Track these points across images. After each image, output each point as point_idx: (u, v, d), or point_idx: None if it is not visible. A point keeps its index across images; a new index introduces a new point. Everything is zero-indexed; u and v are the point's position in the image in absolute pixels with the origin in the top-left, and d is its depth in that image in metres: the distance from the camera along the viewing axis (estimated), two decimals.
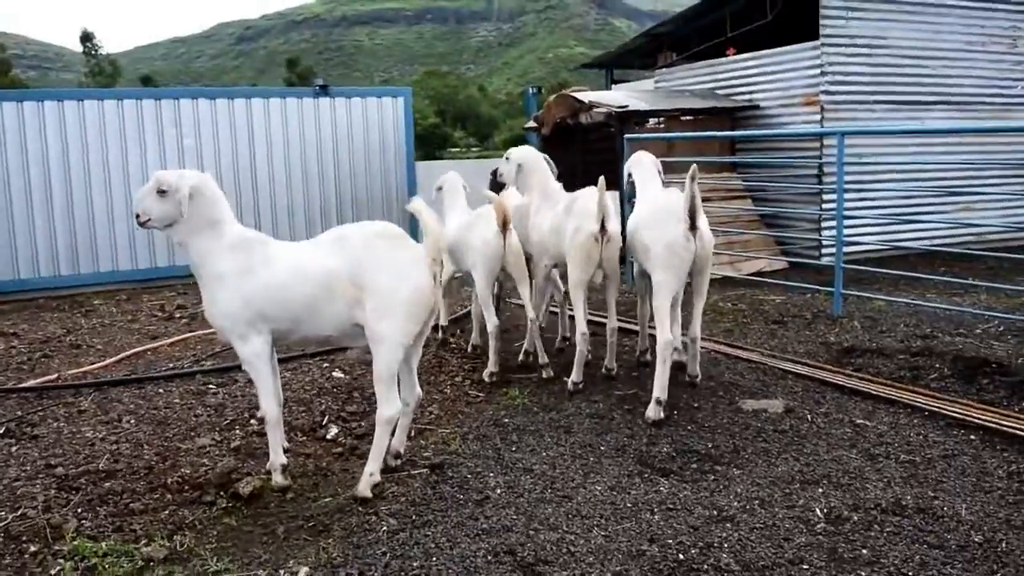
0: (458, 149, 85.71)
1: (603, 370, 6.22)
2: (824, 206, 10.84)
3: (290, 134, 12.81)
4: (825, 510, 4.02)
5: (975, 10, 11.62)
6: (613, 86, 15.71)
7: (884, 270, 8.72)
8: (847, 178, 10.84)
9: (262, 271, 4.24)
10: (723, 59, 12.59)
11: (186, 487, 4.38)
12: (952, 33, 11.52)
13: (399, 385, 4.40)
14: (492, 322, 6.28)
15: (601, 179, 5.89)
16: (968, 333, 7.06)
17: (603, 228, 5.81)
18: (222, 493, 4.28)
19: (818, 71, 10.84)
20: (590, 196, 5.98)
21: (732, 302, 8.88)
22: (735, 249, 10.55)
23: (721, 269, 9.90)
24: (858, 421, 5.19)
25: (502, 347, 7.23)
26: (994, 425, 4.94)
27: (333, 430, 5.23)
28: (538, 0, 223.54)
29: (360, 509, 4.08)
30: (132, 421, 5.49)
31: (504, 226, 5.97)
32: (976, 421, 5.04)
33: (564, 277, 6.43)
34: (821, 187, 10.82)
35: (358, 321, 4.24)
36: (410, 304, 4.17)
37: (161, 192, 4.22)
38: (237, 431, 5.25)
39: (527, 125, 13.89)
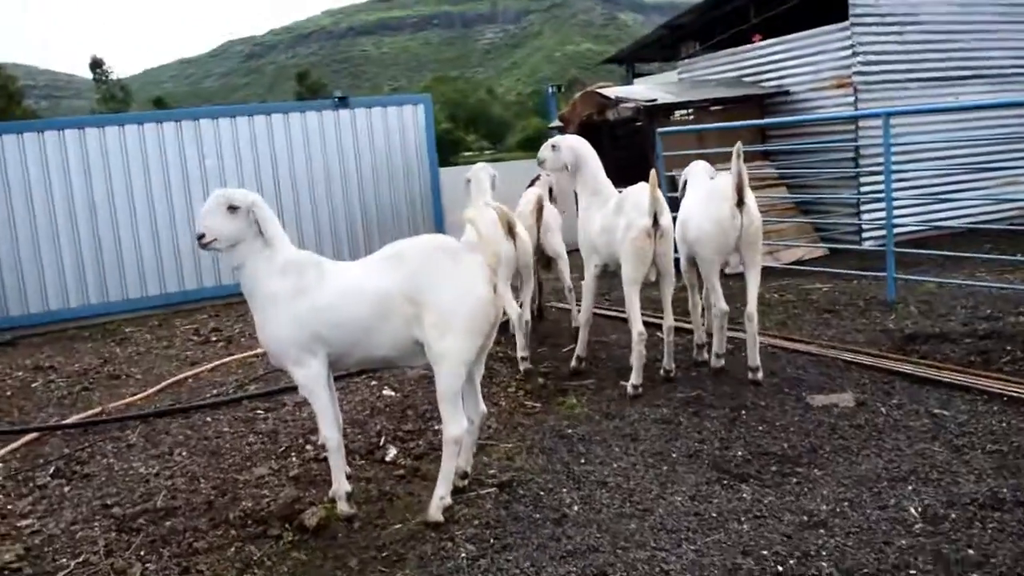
0: (472, 153, 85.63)
1: (662, 372, 6.06)
2: (863, 189, 10.62)
3: (311, 148, 12.73)
4: (920, 509, 3.85)
5: None
6: (635, 80, 15.53)
7: (929, 251, 8.52)
8: (878, 159, 10.68)
9: (316, 292, 4.12)
10: (748, 46, 12.38)
11: (249, 521, 4.26)
12: (983, 5, 11.25)
13: (462, 402, 4.27)
14: (515, 311, 6.17)
15: (652, 173, 5.76)
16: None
17: (656, 223, 5.67)
18: (287, 526, 4.16)
19: (849, 52, 10.61)
20: (641, 191, 5.84)
21: (779, 293, 8.68)
22: (772, 239, 10.34)
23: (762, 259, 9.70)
24: (935, 411, 5.00)
25: (550, 353, 7.12)
26: None
27: (392, 451, 5.10)
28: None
29: (433, 535, 3.95)
30: (184, 453, 5.38)
31: (510, 232, 5.72)
32: None
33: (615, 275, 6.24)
34: (858, 170, 10.59)
35: (418, 339, 4.10)
36: (472, 319, 4.03)
37: (232, 208, 4.10)
38: (294, 458, 5.12)
39: (552, 124, 13.74)
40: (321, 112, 12.97)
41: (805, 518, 3.85)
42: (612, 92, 11.66)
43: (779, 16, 12.00)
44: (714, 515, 3.93)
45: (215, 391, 6.89)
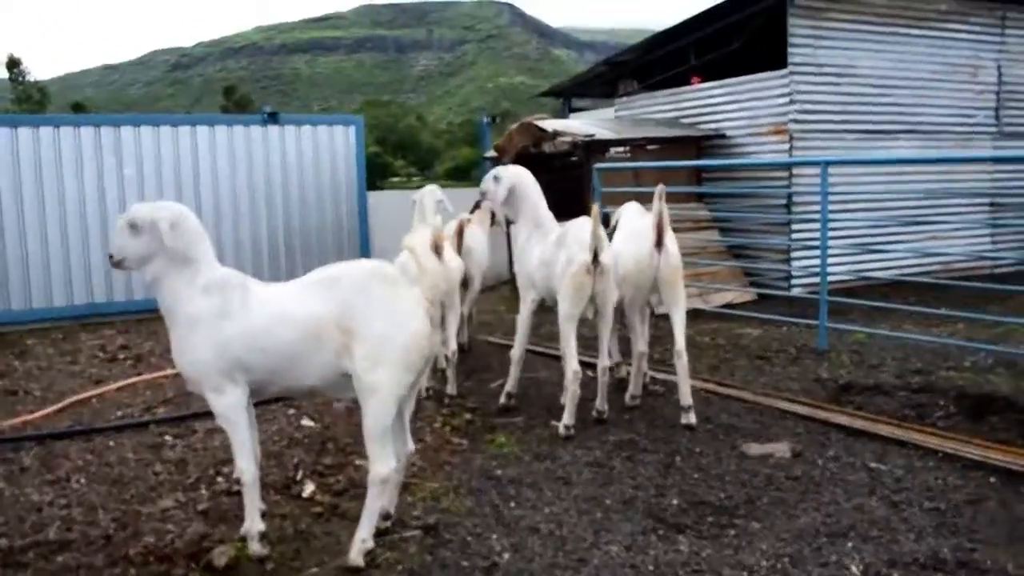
0: (399, 178, 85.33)
1: (594, 413, 5.90)
2: (795, 236, 10.77)
3: (237, 163, 12.31)
4: (861, 568, 3.76)
5: (938, 40, 11.73)
6: (571, 114, 15.57)
7: (862, 300, 8.63)
8: (809, 207, 10.87)
9: (240, 315, 3.84)
10: (687, 87, 12.52)
11: (151, 559, 3.92)
12: (917, 63, 11.61)
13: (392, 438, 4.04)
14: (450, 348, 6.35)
15: (595, 209, 5.67)
16: (959, 367, 6.94)
17: (596, 259, 5.57)
18: (193, 565, 3.84)
19: (787, 99, 10.80)
20: (583, 226, 5.75)
21: (710, 336, 8.67)
22: (703, 281, 10.38)
23: (691, 302, 9.70)
24: (871, 465, 4.96)
25: (478, 388, 6.93)
26: (1017, 468, 4.75)
27: (309, 487, 4.81)
28: (479, 30, 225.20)
29: None
30: (82, 480, 4.98)
31: (437, 251, 5.54)
32: (995, 463, 4.84)
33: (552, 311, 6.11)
34: (790, 217, 10.74)
35: (347, 370, 3.86)
36: (406, 352, 3.80)
37: (133, 227, 3.83)
38: (203, 490, 4.78)
39: (486, 154, 13.64)
40: (249, 127, 12.60)
41: (744, 574, 3.71)
42: (550, 125, 11.63)
43: (719, 60, 12.15)
44: (651, 568, 3.77)
45: (120, 413, 6.48)
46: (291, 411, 6.29)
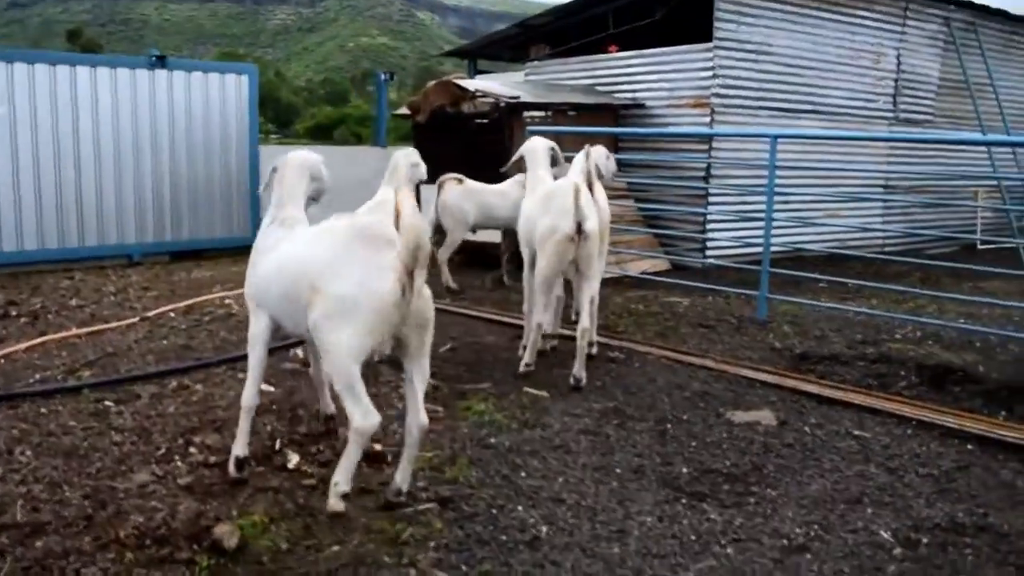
0: (259, 136, 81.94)
1: (571, 380, 5.77)
2: (712, 207, 10.96)
3: (120, 108, 11.38)
4: (890, 533, 3.80)
5: (846, 24, 12.15)
6: (476, 76, 15.24)
7: (805, 273, 8.91)
8: (732, 183, 11.12)
9: (268, 254, 4.17)
10: (603, 55, 12.47)
11: (147, 541, 3.49)
12: (826, 45, 11.98)
13: (406, 409, 3.81)
14: None
15: (580, 179, 5.70)
16: (899, 339, 7.21)
17: (580, 229, 5.62)
18: (196, 547, 3.46)
19: (710, 73, 10.92)
20: (568, 192, 5.72)
21: (641, 303, 8.69)
22: (620, 248, 10.41)
23: (609, 268, 9.74)
24: (855, 432, 5.06)
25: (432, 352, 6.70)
26: (992, 435, 4.95)
27: (294, 458, 4.45)
28: None
29: (388, 559, 3.42)
30: (28, 453, 4.42)
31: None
32: (971, 430, 5.03)
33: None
34: (707, 188, 10.90)
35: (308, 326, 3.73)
36: (366, 316, 3.55)
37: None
38: (179, 463, 4.34)
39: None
40: (135, 70, 11.65)
41: (785, 542, 3.69)
42: (471, 84, 11.32)
43: (637, 30, 12.16)
44: (693, 538, 3.68)
45: (39, 376, 5.83)
46: (241, 375, 5.84)
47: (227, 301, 8.54)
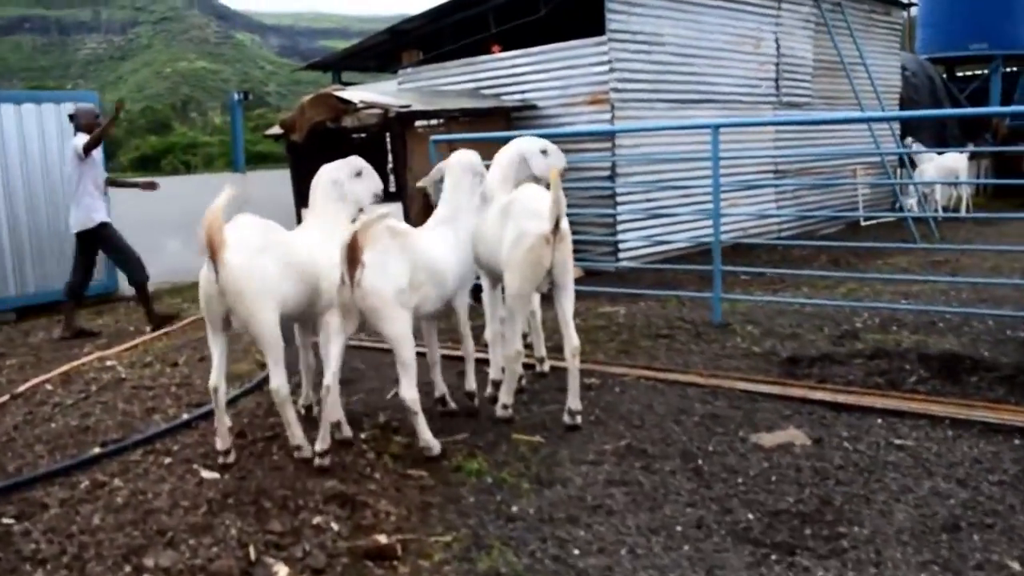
0: None
1: (566, 417, 4.99)
2: (621, 207, 10.47)
3: None
4: (1016, 561, 3.27)
5: (728, 11, 11.95)
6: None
7: (758, 268, 8.57)
8: (633, 179, 10.67)
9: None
10: (486, 57, 11.76)
11: None
12: (711, 33, 11.73)
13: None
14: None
15: (555, 172, 4.89)
16: (868, 328, 6.85)
17: (556, 228, 4.81)
18: None
19: (606, 67, 10.39)
20: (533, 196, 5.01)
21: (577, 317, 7.97)
22: None
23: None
24: (896, 442, 4.54)
25: (376, 401, 5.75)
26: None
27: (281, 569, 3.48)
28: (152, 11, 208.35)
29: None
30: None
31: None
32: (1012, 424, 4.62)
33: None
34: (614, 187, 10.39)
35: None
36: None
37: None
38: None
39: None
40: None
41: None
42: (355, 96, 10.35)
43: (520, 28, 11.53)
44: None
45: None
46: (168, 460, 4.74)
47: (109, 363, 7.29)
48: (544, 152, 5.44)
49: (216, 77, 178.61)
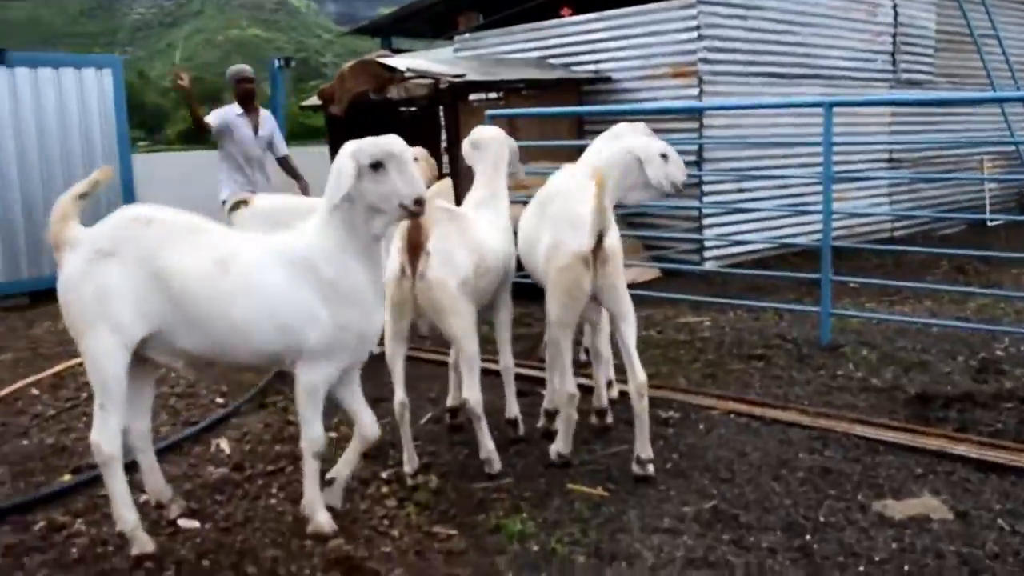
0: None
1: (635, 467, 4.29)
2: (707, 198, 9.68)
3: None
4: None
5: None
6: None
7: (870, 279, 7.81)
8: (723, 165, 9.90)
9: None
10: (555, 21, 11.10)
11: None
12: None
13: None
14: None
15: (599, 173, 4.19)
16: (1012, 358, 5.98)
17: (599, 244, 4.17)
18: None
19: (694, 34, 9.60)
20: (575, 194, 4.35)
21: (654, 328, 7.30)
22: None
23: None
24: None
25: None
26: None
27: None
28: None
29: None
30: None
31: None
32: None
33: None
34: (700, 175, 9.58)
35: None
36: None
37: None
38: None
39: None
40: None
41: None
42: (400, 63, 9.76)
43: None
44: None
45: None
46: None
47: None
48: (664, 157, 4.66)
49: (270, 46, 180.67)
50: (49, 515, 4.08)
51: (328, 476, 3.91)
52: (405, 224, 4.09)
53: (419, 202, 3.44)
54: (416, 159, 4.97)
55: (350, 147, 3.49)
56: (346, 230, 3.52)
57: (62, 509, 4.16)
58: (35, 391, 6.23)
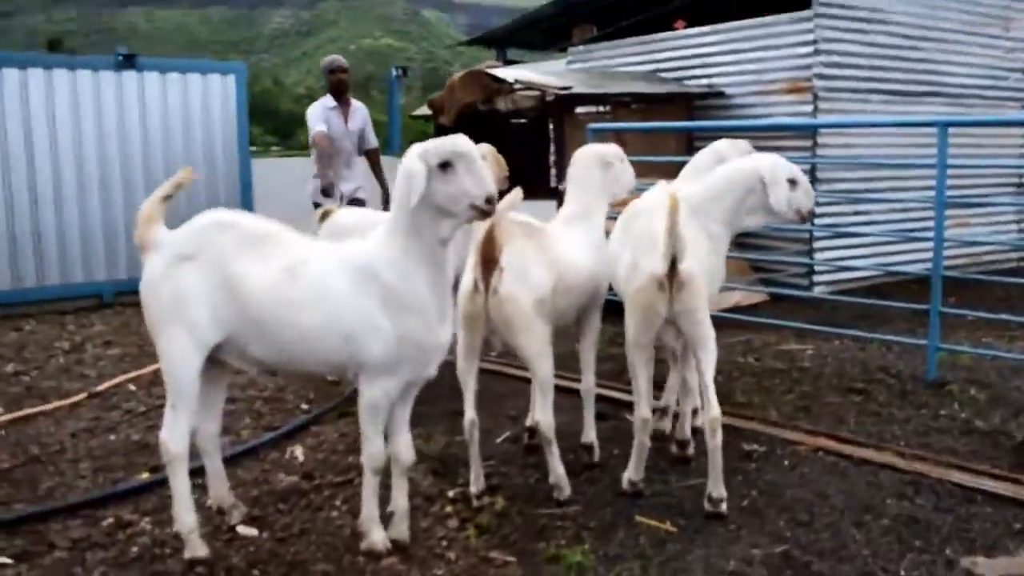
0: (256, 148, 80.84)
1: (707, 504, 4.09)
2: (819, 220, 9.29)
3: (82, 116, 9.96)
4: None
5: None
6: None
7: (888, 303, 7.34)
8: (837, 186, 9.48)
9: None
10: (668, 34, 10.89)
11: None
12: (948, 11, 10.32)
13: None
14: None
15: (672, 193, 4.01)
16: None
17: (673, 267, 3.97)
18: None
19: (811, 48, 9.26)
20: (655, 212, 4.16)
21: (750, 354, 7.02)
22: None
23: None
24: None
25: (485, 442, 5.03)
26: None
27: None
28: None
29: None
30: None
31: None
32: None
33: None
34: (816, 194, 9.20)
35: None
36: None
37: None
38: None
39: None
40: (98, 72, 10.20)
41: None
42: (509, 74, 9.74)
43: (705, 0, 10.57)
44: None
45: None
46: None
47: None
48: (792, 183, 4.38)
49: (400, 55, 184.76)
50: (118, 512, 4.18)
51: (388, 510, 3.83)
52: (479, 238, 4.03)
53: (490, 200, 3.35)
54: (484, 157, 4.84)
55: (417, 149, 3.40)
56: (411, 235, 3.44)
57: (132, 506, 4.26)
58: (132, 387, 6.42)
